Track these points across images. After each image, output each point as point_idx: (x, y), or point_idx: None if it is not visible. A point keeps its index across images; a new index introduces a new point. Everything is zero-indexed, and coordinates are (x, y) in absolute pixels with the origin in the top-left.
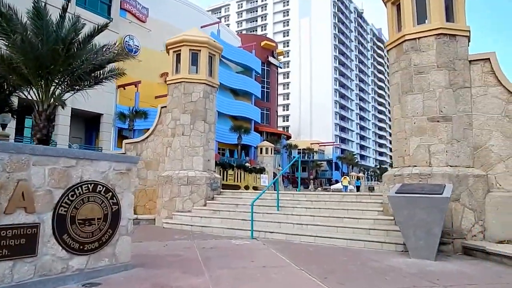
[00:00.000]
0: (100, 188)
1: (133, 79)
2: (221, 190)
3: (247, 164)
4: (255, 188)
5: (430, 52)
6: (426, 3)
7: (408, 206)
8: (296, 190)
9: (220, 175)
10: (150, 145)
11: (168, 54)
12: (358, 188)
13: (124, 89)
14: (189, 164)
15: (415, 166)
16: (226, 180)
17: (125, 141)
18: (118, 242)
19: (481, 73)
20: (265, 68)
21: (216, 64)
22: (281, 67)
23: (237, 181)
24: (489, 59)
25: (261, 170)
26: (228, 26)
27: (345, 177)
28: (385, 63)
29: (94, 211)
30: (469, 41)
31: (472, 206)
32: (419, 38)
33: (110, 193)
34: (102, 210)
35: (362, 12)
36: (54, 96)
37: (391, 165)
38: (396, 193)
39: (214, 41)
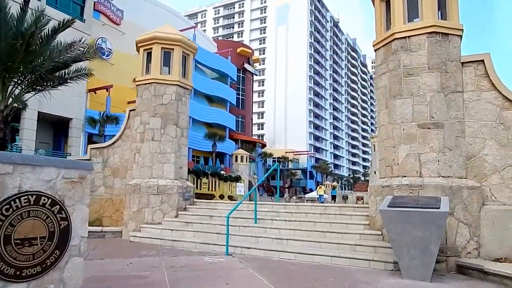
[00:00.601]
0: (44, 200)
1: (104, 83)
2: (195, 199)
3: (222, 172)
4: (230, 197)
5: (421, 52)
6: None
7: (401, 221)
8: (274, 199)
9: (193, 183)
10: (118, 150)
11: (138, 53)
12: (333, 198)
13: (95, 93)
14: (159, 172)
15: (405, 176)
16: (200, 189)
17: (90, 146)
18: (67, 265)
19: (474, 77)
20: (241, 75)
21: (191, 64)
22: (256, 75)
23: (212, 190)
24: (483, 61)
25: (237, 179)
26: (205, 31)
27: (321, 187)
28: (358, 73)
29: (37, 228)
30: (461, 41)
31: (467, 220)
32: (409, 36)
33: (58, 206)
34: (47, 227)
35: (338, 22)
36: (12, 96)
37: (363, 175)
38: (388, 206)
39: (189, 39)
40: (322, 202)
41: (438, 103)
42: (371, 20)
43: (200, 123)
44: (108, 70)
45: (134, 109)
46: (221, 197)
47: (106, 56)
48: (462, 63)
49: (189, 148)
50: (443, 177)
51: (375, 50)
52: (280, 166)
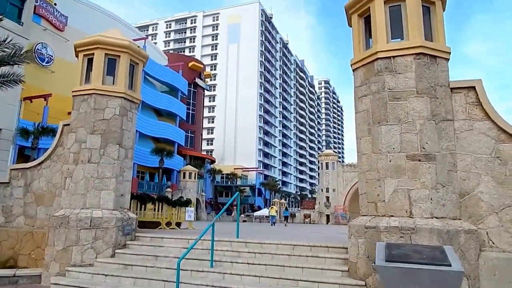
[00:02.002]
0: None
1: (43, 91)
2: (136, 234)
3: (168, 189)
4: (178, 224)
5: (408, 75)
6: (403, 17)
7: (406, 282)
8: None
9: (136, 210)
10: (45, 172)
11: (77, 58)
12: (286, 219)
13: (31, 102)
14: (95, 201)
15: (392, 216)
16: (144, 216)
17: (10, 166)
18: None
19: (465, 104)
20: (192, 89)
21: (139, 75)
22: (207, 90)
23: (157, 217)
24: (474, 87)
25: (187, 203)
26: (156, 44)
27: (272, 207)
28: (306, 93)
29: None
30: (448, 65)
31: (466, 271)
32: (394, 57)
33: None
34: None
35: (287, 43)
36: None
37: (310, 192)
38: (387, 261)
39: (138, 46)
40: (274, 223)
41: (429, 132)
42: (317, 43)
43: (147, 138)
44: (48, 78)
45: (68, 124)
46: (168, 224)
47: (47, 63)
48: (451, 88)
49: (134, 163)
50: (436, 218)
51: (353, 70)
52: (229, 183)
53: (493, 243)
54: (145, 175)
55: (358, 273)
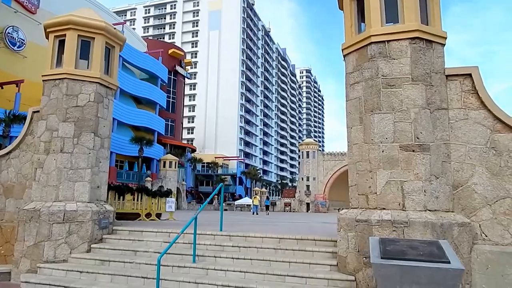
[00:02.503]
0: None
1: (14, 77)
2: (114, 227)
3: (148, 178)
4: (158, 215)
5: (403, 61)
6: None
7: (404, 281)
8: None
9: (115, 200)
10: (14, 163)
11: (48, 39)
12: (267, 208)
13: (2, 88)
14: (68, 193)
15: (384, 208)
16: (122, 208)
17: None
18: None
19: (460, 92)
20: (172, 77)
21: (116, 59)
22: (188, 78)
23: (137, 208)
24: (470, 74)
25: (167, 193)
26: (134, 30)
27: (255, 197)
28: (288, 82)
29: None
30: (444, 50)
31: None
32: (389, 41)
33: None
34: None
35: (269, 31)
36: None
37: (291, 180)
38: (382, 258)
39: (115, 28)
40: (256, 213)
41: (424, 121)
42: (300, 31)
43: (126, 126)
44: (20, 63)
45: (38, 111)
46: (148, 215)
47: (18, 48)
48: (447, 76)
49: (112, 152)
50: (430, 211)
51: (344, 55)
52: (210, 172)
53: (486, 236)
54: (124, 164)
55: (347, 267)
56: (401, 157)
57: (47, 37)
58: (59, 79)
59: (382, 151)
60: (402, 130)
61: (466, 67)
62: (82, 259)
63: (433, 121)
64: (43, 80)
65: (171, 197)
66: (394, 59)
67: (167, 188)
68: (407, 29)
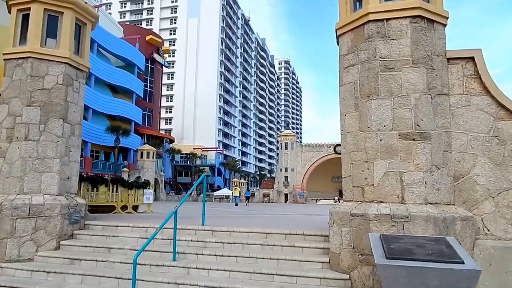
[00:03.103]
0: None
1: None
2: (86, 222)
3: (124, 169)
4: (135, 207)
5: (403, 41)
6: None
7: (411, 282)
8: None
9: (88, 192)
10: None
11: (9, 13)
12: (247, 199)
13: None
14: (34, 185)
15: (382, 202)
16: (96, 200)
17: None
18: None
19: (462, 77)
20: (149, 65)
21: (87, 38)
22: (166, 66)
23: (112, 200)
24: (473, 58)
25: (145, 185)
26: (110, 15)
27: (236, 188)
28: (267, 73)
29: None
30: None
31: None
32: (388, 19)
33: None
34: None
35: (249, 20)
36: None
37: (269, 171)
38: (388, 258)
39: (86, 2)
40: (236, 204)
41: (425, 107)
42: (279, 21)
43: (101, 115)
44: None
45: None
46: (124, 208)
47: None
48: (448, 59)
49: (87, 142)
50: (431, 204)
51: (338, 36)
52: (188, 163)
53: (488, 231)
54: (100, 154)
55: (341, 265)
56: (401, 146)
57: (9, 11)
58: (23, 58)
59: (380, 140)
60: (401, 117)
61: (468, 49)
62: (49, 258)
63: (434, 108)
64: (4, 60)
65: (148, 188)
66: (393, 39)
67: (144, 179)
68: (408, 6)
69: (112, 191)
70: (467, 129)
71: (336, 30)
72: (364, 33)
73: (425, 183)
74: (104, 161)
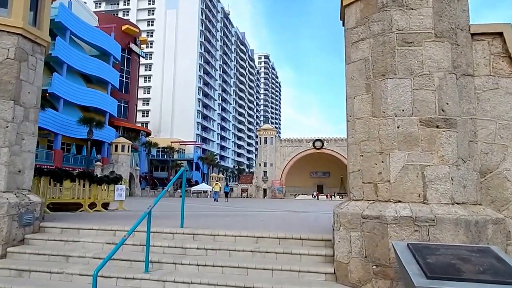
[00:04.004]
0: None
1: None
2: (42, 224)
3: (98, 163)
4: (105, 205)
5: (424, 11)
6: None
7: None
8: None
9: (50, 188)
10: None
11: None
12: (227, 194)
13: None
14: None
15: (400, 201)
16: (60, 197)
17: None
18: None
19: (488, 55)
20: (126, 55)
21: (47, 7)
22: (143, 57)
23: (79, 197)
24: (501, 33)
25: (117, 179)
26: (85, 4)
27: (217, 183)
28: (246, 67)
29: None
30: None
31: None
32: None
33: None
34: None
35: (228, 14)
36: None
37: (248, 166)
38: (429, 277)
39: None
40: (216, 200)
41: (450, 89)
42: (258, 18)
43: (74, 106)
44: None
45: None
46: (93, 205)
47: None
48: (472, 35)
49: (58, 134)
50: (458, 204)
51: (344, 7)
52: (165, 157)
53: None
54: (71, 147)
55: (350, 277)
56: (422, 135)
57: None
58: None
59: (397, 127)
60: (423, 100)
61: (495, 24)
62: None
63: (460, 90)
64: None
65: (120, 183)
66: (412, 9)
67: (116, 174)
68: None
69: (83, 187)
70: (495, 116)
71: (341, 0)
72: (377, 2)
73: (452, 179)
74: (76, 154)
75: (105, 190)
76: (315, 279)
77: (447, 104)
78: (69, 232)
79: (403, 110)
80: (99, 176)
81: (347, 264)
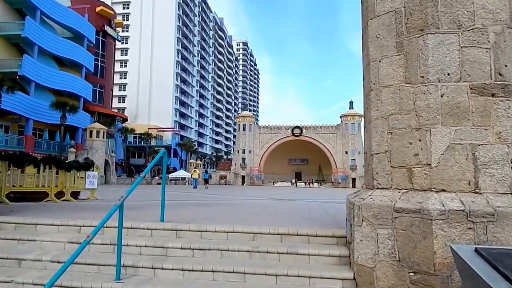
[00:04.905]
0: None
1: None
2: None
3: (72, 149)
4: (75, 194)
5: None
6: None
7: None
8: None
9: (9, 174)
10: None
11: None
12: (206, 181)
13: None
14: None
15: (444, 190)
16: (22, 185)
17: None
18: None
19: None
20: (100, 38)
21: None
22: (119, 40)
23: (44, 185)
24: None
25: (88, 166)
26: None
27: (195, 170)
28: (225, 53)
29: None
30: None
31: None
32: None
33: None
34: None
35: None
36: None
37: (226, 153)
38: None
39: None
40: (195, 187)
41: (510, 47)
42: (236, 3)
43: (46, 90)
44: None
45: None
46: (60, 194)
47: None
48: None
49: (29, 118)
50: None
51: None
52: (142, 143)
53: None
54: (44, 132)
55: (376, 285)
56: (474, 106)
57: None
58: None
59: (441, 96)
60: (474, 61)
61: None
62: None
63: None
64: None
65: (92, 170)
66: None
67: (86, 159)
68: None
69: (49, 174)
70: None
71: None
72: None
73: (511, 162)
74: (48, 140)
75: (76, 177)
76: (329, 286)
77: (506, 66)
78: (25, 228)
79: (448, 74)
80: (67, 161)
81: (372, 269)
